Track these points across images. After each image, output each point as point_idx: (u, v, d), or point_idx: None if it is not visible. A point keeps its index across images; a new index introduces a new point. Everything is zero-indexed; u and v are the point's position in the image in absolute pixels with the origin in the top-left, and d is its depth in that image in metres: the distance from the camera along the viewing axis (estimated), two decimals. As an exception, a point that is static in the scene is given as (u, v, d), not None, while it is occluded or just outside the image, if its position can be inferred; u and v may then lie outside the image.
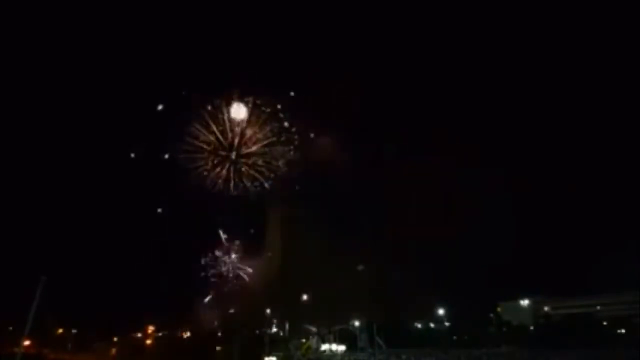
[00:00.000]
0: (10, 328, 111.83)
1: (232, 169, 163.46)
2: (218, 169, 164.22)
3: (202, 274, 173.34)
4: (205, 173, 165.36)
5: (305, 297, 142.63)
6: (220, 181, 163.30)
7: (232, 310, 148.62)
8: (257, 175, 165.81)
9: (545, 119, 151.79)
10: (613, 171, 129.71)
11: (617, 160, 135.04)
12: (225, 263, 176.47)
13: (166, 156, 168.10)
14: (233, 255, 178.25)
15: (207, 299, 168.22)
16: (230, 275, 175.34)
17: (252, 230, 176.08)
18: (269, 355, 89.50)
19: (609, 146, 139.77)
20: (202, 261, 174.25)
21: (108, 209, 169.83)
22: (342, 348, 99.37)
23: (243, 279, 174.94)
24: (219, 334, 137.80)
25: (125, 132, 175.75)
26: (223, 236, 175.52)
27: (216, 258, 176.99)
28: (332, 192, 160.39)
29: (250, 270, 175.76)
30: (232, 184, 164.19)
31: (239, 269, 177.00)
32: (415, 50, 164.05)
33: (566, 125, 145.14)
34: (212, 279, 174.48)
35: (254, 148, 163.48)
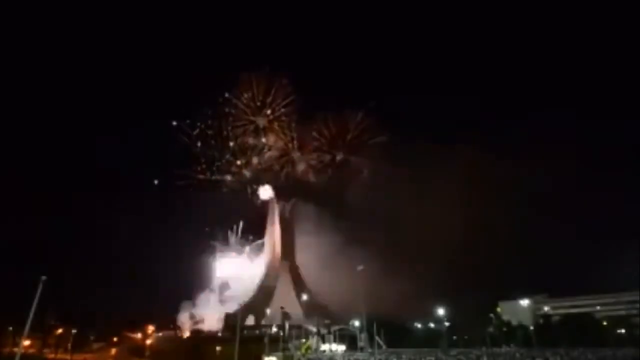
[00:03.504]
0: (10, 328, 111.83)
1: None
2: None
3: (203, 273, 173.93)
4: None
5: (305, 297, 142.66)
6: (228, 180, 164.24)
7: (232, 310, 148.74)
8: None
9: (543, 121, 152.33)
10: (612, 172, 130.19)
11: (616, 161, 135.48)
12: (226, 263, 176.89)
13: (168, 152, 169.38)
14: (234, 256, 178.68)
15: (207, 300, 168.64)
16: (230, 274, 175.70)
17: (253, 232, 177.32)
18: (269, 355, 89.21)
19: (608, 147, 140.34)
20: (204, 260, 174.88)
21: (108, 209, 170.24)
22: (342, 348, 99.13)
23: (243, 278, 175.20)
24: (219, 334, 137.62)
25: (128, 129, 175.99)
26: (227, 236, 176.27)
27: (218, 257, 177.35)
28: (334, 194, 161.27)
29: (251, 270, 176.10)
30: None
31: (240, 268, 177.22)
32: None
33: (565, 126, 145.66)
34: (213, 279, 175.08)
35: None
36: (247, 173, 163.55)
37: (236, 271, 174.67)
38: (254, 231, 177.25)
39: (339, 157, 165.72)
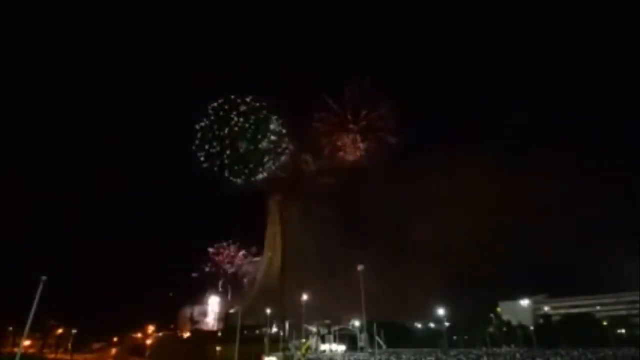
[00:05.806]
0: (10, 328, 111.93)
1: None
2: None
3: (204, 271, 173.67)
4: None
5: (305, 297, 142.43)
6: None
7: (232, 310, 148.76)
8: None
9: (543, 120, 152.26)
10: (612, 173, 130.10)
11: (616, 161, 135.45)
12: (226, 263, 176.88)
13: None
14: (234, 255, 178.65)
15: (207, 300, 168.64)
16: (230, 274, 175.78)
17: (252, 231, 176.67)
18: (269, 355, 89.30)
19: (608, 147, 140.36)
20: (204, 261, 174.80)
21: (108, 208, 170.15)
22: (342, 348, 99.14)
23: (243, 278, 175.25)
24: (219, 334, 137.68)
25: (124, 126, 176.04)
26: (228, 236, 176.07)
27: (217, 258, 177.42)
28: (335, 194, 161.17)
29: (251, 270, 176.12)
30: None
31: (240, 268, 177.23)
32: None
33: (565, 126, 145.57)
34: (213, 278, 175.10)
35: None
36: (259, 176, 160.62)
37: (237, 271, 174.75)
38: (255, 231, 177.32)
39: (348, 160, 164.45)
